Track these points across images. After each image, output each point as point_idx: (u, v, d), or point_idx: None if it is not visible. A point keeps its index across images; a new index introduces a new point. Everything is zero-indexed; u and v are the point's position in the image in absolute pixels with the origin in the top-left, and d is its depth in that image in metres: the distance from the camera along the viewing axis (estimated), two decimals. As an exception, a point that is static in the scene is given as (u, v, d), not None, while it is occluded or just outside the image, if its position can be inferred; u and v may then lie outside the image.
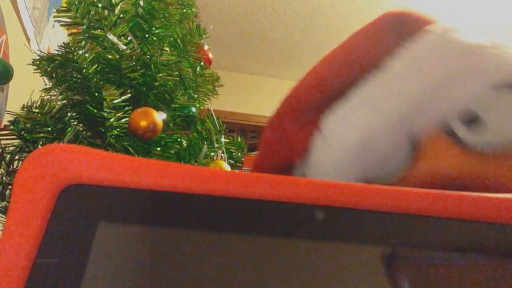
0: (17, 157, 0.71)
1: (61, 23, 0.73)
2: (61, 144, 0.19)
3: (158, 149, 0.83)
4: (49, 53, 0.77)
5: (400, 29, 0.35)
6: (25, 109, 0.70)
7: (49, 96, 0.78)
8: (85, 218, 0.15)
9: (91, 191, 0.16)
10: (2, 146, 0.71)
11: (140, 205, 0.16)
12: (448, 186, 0.28)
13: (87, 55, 0.70)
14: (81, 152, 0.16)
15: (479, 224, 0.16)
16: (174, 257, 0.16)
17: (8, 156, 0.71)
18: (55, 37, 1.37)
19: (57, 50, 0.73)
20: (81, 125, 0.78)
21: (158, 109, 0.76)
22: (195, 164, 0.82)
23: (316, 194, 0.16)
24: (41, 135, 0.68)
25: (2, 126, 0.74)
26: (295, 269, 0.16)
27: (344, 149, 0.31)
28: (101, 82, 0.74)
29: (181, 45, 0.87)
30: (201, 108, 0.95)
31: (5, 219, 0.17)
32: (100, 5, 0.76)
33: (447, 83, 0.31)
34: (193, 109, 0.87)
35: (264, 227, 0.16)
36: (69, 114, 0.75)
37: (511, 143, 0.28)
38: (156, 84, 0.80)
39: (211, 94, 0.97)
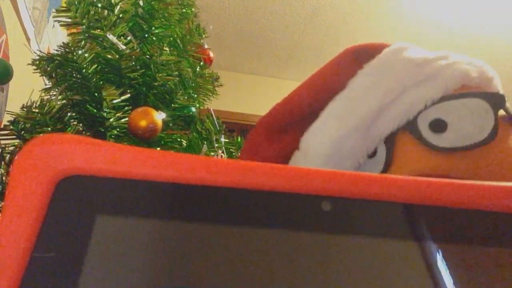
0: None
1: (61, 23, 0.73)
2: (58, 133, 0.19)
3: (158, 149, 0.83)
4: (49, 53, 0.77)
5: (361, 59, 0.39)
6: (25, 109, 0.70)
7: (49, 96, 0.78)
8: (83, 211, 0.15)
9: (90, 182, 0.15)
10: (2, 146, 0.71)
11: (142, 197, 0.15)
12: None
13: (86, 55, 0.70)
14: (78, 142, 0.16)
15: (489, 214, 0.16)
16: (177, 251, 0.15)
17: (8, 156, 0.71)
18: (55, 37, 1.37)
19: (57, 50, 0.73)
20: (81, 125, 0.78)
21: (158, 109, 0.76)
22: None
23: (323, 184, 0.16)
24: (41, 135, 0.68)
25: (2, 126, 0.74)
26: (303, 262, 0.15)
27: (320, 159, 0.35)
28: (101, 82, 0.74)
29: (181, 45, 0.87)
30: (201, 108, 0.95)
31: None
32: (99, 5, 0.76)
33: (402, 90, 0.35)
34: (193, 109, 0.87)
35: (270, 218, 0.16)
36: (69, 114, 0.75)
37: (469, 142, 0.32)
38: (156, 84, 0.80)
39: (211, 94, 0.97)
